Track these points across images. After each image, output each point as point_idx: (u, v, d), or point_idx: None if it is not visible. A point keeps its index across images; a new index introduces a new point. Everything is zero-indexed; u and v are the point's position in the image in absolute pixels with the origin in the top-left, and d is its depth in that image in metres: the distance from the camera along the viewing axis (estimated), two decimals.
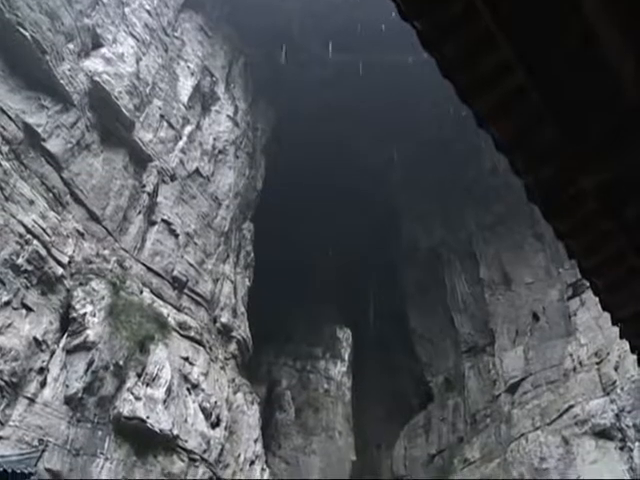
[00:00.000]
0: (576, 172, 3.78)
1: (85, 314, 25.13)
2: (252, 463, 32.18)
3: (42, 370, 23.30)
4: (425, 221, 50.30)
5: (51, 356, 23.88)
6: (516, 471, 36.59)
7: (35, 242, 23.83)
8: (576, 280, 36.97)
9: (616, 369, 33.39)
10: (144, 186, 31.58)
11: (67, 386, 23.75)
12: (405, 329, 53.02)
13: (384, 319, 54.76)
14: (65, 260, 25.47)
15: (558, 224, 3.97)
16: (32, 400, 22.60)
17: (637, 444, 31.12)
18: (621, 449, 31.72)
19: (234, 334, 35.45)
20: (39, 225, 24.32)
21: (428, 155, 46.71)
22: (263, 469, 33.18)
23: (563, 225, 3.96)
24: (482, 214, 45.26)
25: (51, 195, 26.09)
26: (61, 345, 24.42)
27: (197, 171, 35.54)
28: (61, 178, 26.95)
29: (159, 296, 30.32)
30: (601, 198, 3.81)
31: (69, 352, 24.41)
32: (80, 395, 23.91)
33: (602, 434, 32.85)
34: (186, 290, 32.43)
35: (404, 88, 43.05)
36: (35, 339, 23.09)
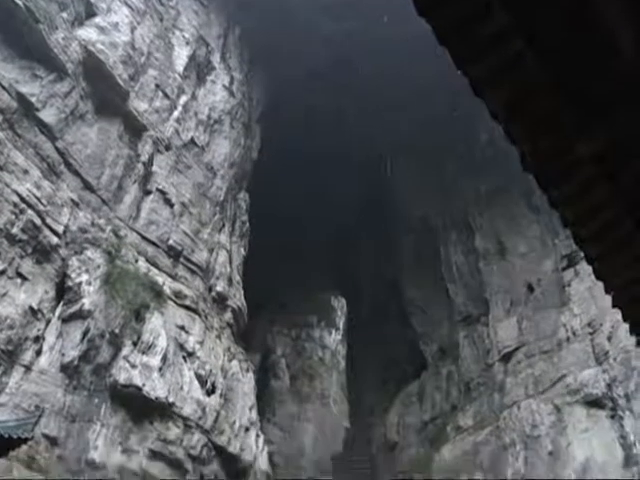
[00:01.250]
0: (573, 139, 3.79)
1: (80, 283, 25.18)
2: (247, 430, 32.47)
3: (38, 339, 23.39)
4: (420, 191, 50.25)
5: (47, 325, 23.96)
6: (508, 438, 37.00)
7: (30, 211, 23.80)
8: (571, 251, 37.08)
9: (609, 339, 33.62)
10: (139, 156, 31.48)
11: (63, 354, 23.87)
12: (400, 298, 53.22)
13: (379, 288, 55.02)
14: (60, 229, 25.45)
15: (553, 192, 3.98)
16: (28, 368, 22.72)
17: (627, 413, 31.46)
18: (612, 418, 32.07)
19: (229, 303, 35.59)
20: (34, 194, 24.26)
21: (424, 124, 46.55)
22: (258, 435, 33.50)
23: (558, 193, 3.97)
24: (478, 184, 45.22)
25: (45, 165, 25.98)
26: (57, 314, 24.49)
27: (192, 141, 35.43)
28: (55, 148, 26.82)
29: (154, 265, 30.36)
30: (598, 165, 3.82)
31: (65, 321, 24.49)
32: (76, 363, 24.04)
33: (594, 403, 33.18)
34: (181, 259, 32.49)
35: (401, 56, 42.79)
36: (31, 308, 23.15)
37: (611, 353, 33.30)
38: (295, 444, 50.24)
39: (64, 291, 25.02)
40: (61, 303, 24.79)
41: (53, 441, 22.73)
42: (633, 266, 4.08)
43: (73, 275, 25.24)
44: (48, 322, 24.08)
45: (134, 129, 31.65)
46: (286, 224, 49.80)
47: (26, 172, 24.41)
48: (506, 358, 40.61)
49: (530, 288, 41.13)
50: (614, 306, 4.28)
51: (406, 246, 52.52)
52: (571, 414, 34.12)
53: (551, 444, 34.39)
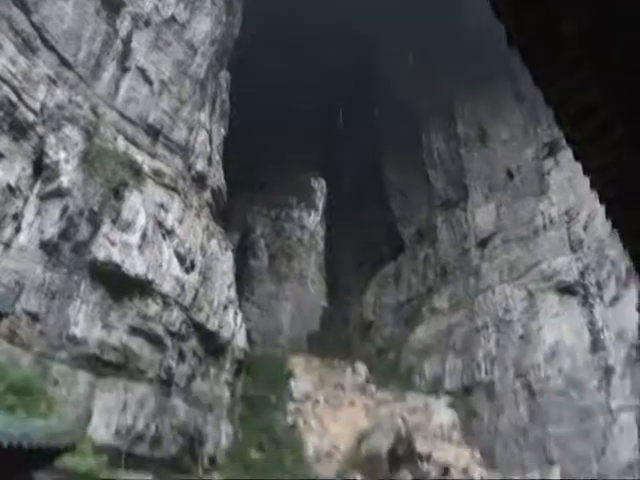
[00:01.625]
0: (559, 15, 3.69)
1: (58, 161, 24.90)
2: (225, 307, 33.02)
3: (16, 216, 23.30)
4: (404, 75, 49.44)
5: (25, 202, 23.82)
6: (481, 321, 38.02)
7: (5, 87, 23.20)
8: (552, 140, 37.07)
9: (585, 228, 34.11)
10: (117, 32, 30.45)
11: (42, 232, 23.85)
12: (380, 181, 53.33)
13: (359, 170, 55.01)
14: (37, 106, 24.87)
15: (537, 71, 3.90)
16: (7, 245, 22.75)
17: (598, 300, 32.33)
18: (583, 305, 32.98)
19: (209, 182, 35.42)
20: (9, 70, 23.57)
21: (411, 4, 45.26)
22: (236, 313, 34.08)
23: (543, 72, 3.88)
24: (462, 70, 44.43)
25: (20, 39, 25.08)
26: (35, 192, 24.31)
27: (172, 17, 34.22)
28: (30, 22, 25.80)
29: (133, 143, 29.96)
30: (583, 43, 3.73)
31: (43, 198, 24.35)
32: (55, 240, 24.07)
33: (566, 290, 34.03)
34: (161, 138, 32.03)
35: None
36: (8, 185, 22.94)
37: (586, 242, 33.85)
38: (273, 322, 51.40)
39: (42, 169, 24.74)
40: (39, 181, 24.58)
41: (34, 317, 23.03)
42: (613, 149, 4.06)
43: (50, 153, 24.92)
44: (26, 200, 23.92)
45: (112, 4, 30.45)
46: (267, 103, 49.09)
47: (0, 47, 23.66)
48: (483, 243, 41.21)
49: (510, 175, 41.29)
50: (592, 188, 4.29)
51: (389, 130, 52.17)
52: (543, 300, 34.98)
53: (522, 328, 35.41)
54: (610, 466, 29.19)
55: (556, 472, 30.81)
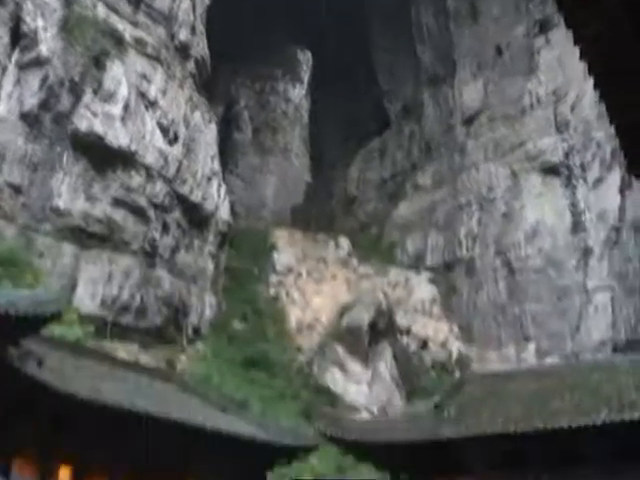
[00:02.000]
0: None
1: (37, 28, 24.14)
2: (209, 180, 32.90)
3: None
4: None
5: (3, 72, 23.28)
6: (464, 198, 38.24)
7: None
8: (544, 17, 36.26)
9: (572, 109, 33.88)
10: None
11: (22, 102, 23.40)
12: (367, 55, 52.29)
13: (346, 43, 53.68)
14: None
15: None
16: None
17: (581, 182, 32.53)
18: (565, 186, 33.19)
19: (192, 52, 34.52)
20: None
21: None
22: (220, 185, 33.99)
23: None
24: None
25: None
26: (13, 60, 23.71)
27: None
28: None
29: (114, 11, 28.95)
30: None
31: (22, 68, 23.80)
32: (36, 111, 23.69)
33: (550, 170, 34.15)
34: (142, 6, 30.91)
35: None
36: None
37: (572, 123, 33.69)
38: (256, 195, 51.40)
39: (20, 37, 24.00)
40: (17, 50, 23.88)
41: (17, 189, 22.97)
42: (607, 16, 3.93)
43: (28, 19, 24.11)
44: (4, 69, 23.36)
45: None
46: None
47: None
48: (469, 121, 40.86)
49: (499, 52, 40.48)
50: (582, 59, 4.18)
51: (377, 3, 50.67)
52: (527, 179, 35.12)
53: (505, 207, 35.70)
54: (584, 343, 30.25)
55: (531, 348, 31.87)
